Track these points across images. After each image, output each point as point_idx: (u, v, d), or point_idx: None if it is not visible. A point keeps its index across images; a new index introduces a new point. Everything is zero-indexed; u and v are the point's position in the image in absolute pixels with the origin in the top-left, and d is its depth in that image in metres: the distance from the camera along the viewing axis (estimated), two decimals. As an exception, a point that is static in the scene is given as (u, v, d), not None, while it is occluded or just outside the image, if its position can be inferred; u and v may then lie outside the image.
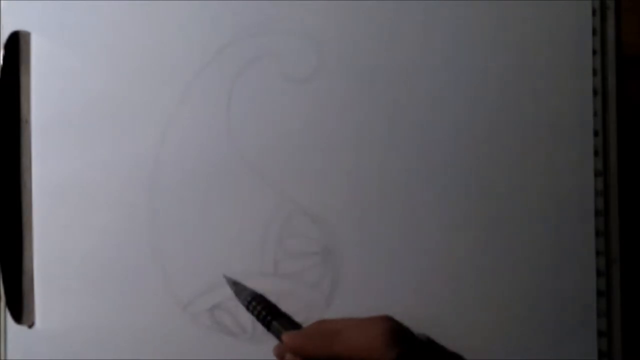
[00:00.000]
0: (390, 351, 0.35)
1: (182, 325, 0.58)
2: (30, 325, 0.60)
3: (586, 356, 0.56)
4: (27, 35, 0.60)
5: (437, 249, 0.57)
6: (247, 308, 0.43)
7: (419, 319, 0.40)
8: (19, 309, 0.60)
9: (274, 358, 0.40)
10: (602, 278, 0.57)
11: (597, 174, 0.57)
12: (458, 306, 0.57)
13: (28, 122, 0.60)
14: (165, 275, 0.59)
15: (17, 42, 0.60)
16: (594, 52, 0.57)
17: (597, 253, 0.57)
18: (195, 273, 0.59)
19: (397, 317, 0.38)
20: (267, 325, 0.42)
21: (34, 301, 0.60)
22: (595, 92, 0.57)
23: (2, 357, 0.59)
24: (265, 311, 0.42)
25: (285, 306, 0.48)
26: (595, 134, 0.57)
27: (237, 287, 0.44)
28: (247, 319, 0.58)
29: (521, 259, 0.57)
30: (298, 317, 0.42)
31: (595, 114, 0.57)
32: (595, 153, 0.57)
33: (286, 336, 0.39)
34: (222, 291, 0.58)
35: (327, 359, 0.36)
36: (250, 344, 0.58)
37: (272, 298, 0.57)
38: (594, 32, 0.57)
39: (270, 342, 0.40)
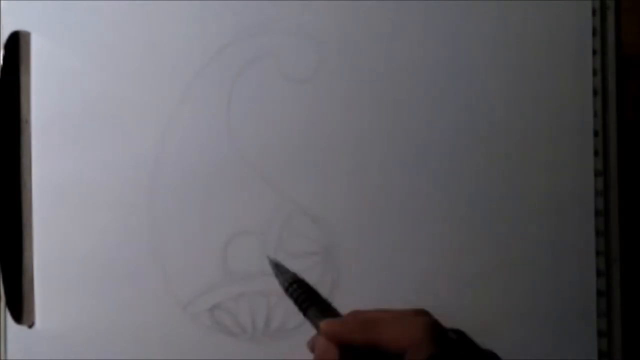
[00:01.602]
0: (428, 347, 0.35)
1: (182, 325, 0.58)
2: (30, 325, 0.60)
3: (586, 356, 0.56)
4: (27, 35, 0.60)
5: (437, 249, 0.57)
6: (286, 291, 0.41)
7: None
8: (19, 309, 0.60)
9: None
10: (602, 278, 0.57)
11: (597, 174, 0.57)
12: (458, 306, 0.57)
13: (28, 122, 0.60)
14: (165, 275, 0.59)
15: (17, 42, 0.60)
16: (594, 52, 0.57)
17: (597, 253, 0.57)
18: (195, 273, 0.59)
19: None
20: (304, 311, 0.40)
21: (34, 301, 0.59)
22: (595, 92, 0.57)
23: (2, 357, 0.59)
24: (304, 296, 0.40)
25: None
26: (595, 134, 0.57)
27: (278, 269, 0.42)
28: (247, 318, 0.58)
29: (521, 259, 0.57)
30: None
31: (595, 114, 0.57)
32: (595, 153, 0.57)
33: (324, 323, 0.38)
34: (222, 291, 0.58)
35: (363, 346, 0.36)
36: (250, 344, 0.58)
37: (273, 299, 0.57)
38: (594, 32, 0.57)
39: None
